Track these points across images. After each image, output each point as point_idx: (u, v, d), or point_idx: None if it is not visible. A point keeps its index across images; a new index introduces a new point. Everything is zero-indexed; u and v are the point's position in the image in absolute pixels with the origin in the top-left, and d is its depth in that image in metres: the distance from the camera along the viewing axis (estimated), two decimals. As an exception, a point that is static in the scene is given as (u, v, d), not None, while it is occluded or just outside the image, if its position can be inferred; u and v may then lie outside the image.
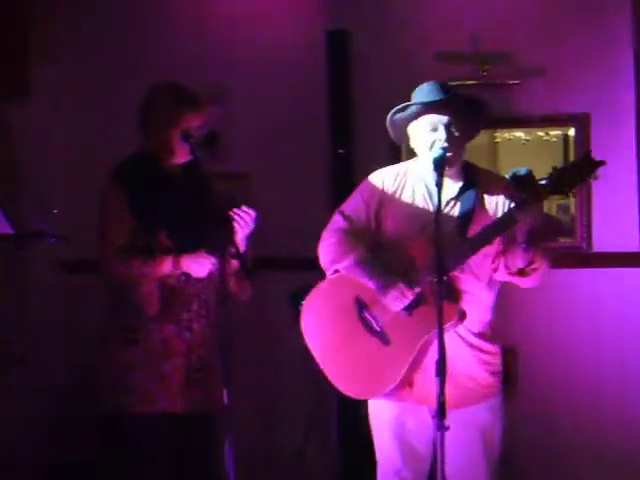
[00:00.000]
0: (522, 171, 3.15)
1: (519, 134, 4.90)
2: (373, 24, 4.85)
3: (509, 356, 4.66)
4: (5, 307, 4.54)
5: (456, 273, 3.20)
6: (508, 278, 3.29)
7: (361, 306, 3.33)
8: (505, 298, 4.40)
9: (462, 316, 3.19)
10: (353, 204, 3.46)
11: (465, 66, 4.74)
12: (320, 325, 3.43)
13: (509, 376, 4.53)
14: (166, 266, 3.58)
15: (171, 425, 3.65)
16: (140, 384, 3.61)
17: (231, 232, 3.51)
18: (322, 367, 3.39)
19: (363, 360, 3.30)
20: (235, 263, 3.49)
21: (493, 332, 3.39)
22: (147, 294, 3.61)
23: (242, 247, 3.55)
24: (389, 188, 3.41)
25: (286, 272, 4.80)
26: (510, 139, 4.91)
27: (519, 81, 4.77)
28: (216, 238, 3.40)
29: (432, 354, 3.01)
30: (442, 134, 3.24)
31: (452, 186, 3.33)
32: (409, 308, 3.23)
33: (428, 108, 3.28)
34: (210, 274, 3.59)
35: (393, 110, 3.35)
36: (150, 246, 3.60)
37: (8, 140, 4.72)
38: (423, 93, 3.32)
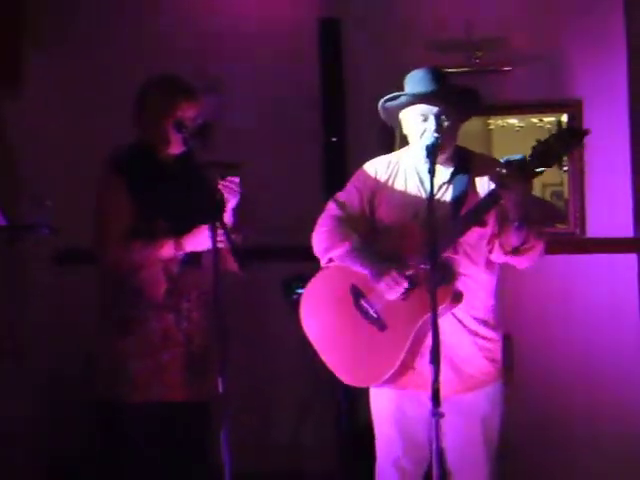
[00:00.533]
0: (516, 157, 3.13)
1: (513, 121, 4.89)
2: (365, 12, 4.84)
3: (505, 343, 4.67)
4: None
5: (451, 254, 3.21)
6: (503, 258, 3.29)
7: (357, 294, 3.35)
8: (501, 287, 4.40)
9: (457, 298, 3.21)
10: (346, 193, 3.49)
11: (457, 53, 4.73)
12: (318, 314, 3.45)
13: (505, 363, 4.54)
14: (167, 248, 3.59)
15: (169, 414, 3.66)
16: (138, 374, 3.61)
17: (222, 209, 3.53)
18: (322, 356, 3.40)
19: (361, 348, 3.32)
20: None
21: (495, 318, 3.40)
22: (150, 278, 3.61)
23: (230, 218, 3.58)
24: (382, 176, 3.43)
25: (279, 261, 4.80)
26: (504, 126, 4.91)
27: (511, 67, 4.75)
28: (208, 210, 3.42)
29: (429, 340, 3.00)
30: (432, 124, 3.26)
31: (444, 171, 3.34)
32: (404, 293, 3.23)
33: (418, 98, 3.29)
34: (207, 263, 3.58)
35: (383, 99, 3.36)
36: (150, 232, 3.61)
37: (1, 132, 4.71)
38: (414, 81, 3.32)
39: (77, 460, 4.71)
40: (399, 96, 3.33)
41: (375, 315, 3.30)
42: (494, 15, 4.76)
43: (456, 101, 3.31)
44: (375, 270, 3.28)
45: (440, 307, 3.05)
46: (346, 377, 3.38)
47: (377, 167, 3.46)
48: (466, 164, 3.36)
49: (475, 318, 3.33)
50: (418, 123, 3.30)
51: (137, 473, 3.69)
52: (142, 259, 3.59)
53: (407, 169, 3.41)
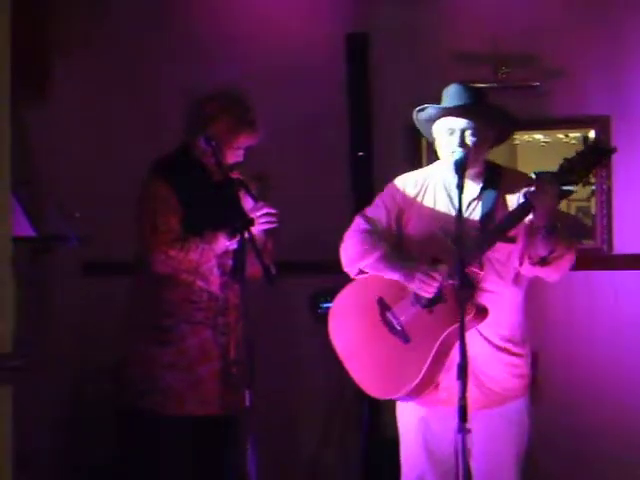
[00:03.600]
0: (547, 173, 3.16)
1: (538, 136, 4.88)
2: (392, 26, 4.84)
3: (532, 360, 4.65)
4: (27, 309, 4.55)
5: (477, 270, 3.21)
6: (533, 270, 3.28)
7: (383, 307, 3.36)
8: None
9: (482, 313, 3.20)
10: (374, 208, 3.50)
11: (484, 68, 4.73)
12: (346, 327, 3.46)
13: (533, 380, 4.52)
14: (221, 239, 3.63)
15: (201, 427, 3.68)
16: (172, 385, 3.64)
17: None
18: (348, 369, 3.40)
19: (385, 360, 3.33)
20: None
21: (522, 334, 3.40)
22: (208, 272, 3.66)
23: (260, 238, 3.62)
24: (410, 192, 3.44)
25: (306, 276, 4.80)
26: (529, 141, 4.90)
27: (538, 83, 4.75)
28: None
29: (456, 355, 3.01)
30: (456, 139, 3.27)
31: (473, 187, 3.35)
32: (429, 305, 3.24)
33: (446, 112, 3.31)
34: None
35: (416, 110, 3.39)
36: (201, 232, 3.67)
37: (27, 142, 4.74)
38: (448, 95, 3.35)
39: (103, 469, 4.72)
40: (426, 108, 3.35)
41: (399, 327, 3.30)
42: (521, 30, 4.75)
43: (487, 118, 3.31)
44: (406, 271, 3.28)
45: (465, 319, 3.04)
46: (370, 389, 3.37)
47: (406, 183, 3.47)
48: (495, 180, 3.36)
49: (501, 335, 3.33)
50: (445, 137, 3.31)
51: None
52: (200, 256, 3.62)
53: (436, 185, 3.41)
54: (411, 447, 3.44)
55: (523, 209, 3.17)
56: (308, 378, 4.91)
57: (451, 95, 3.33)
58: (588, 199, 4.81)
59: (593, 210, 4.81)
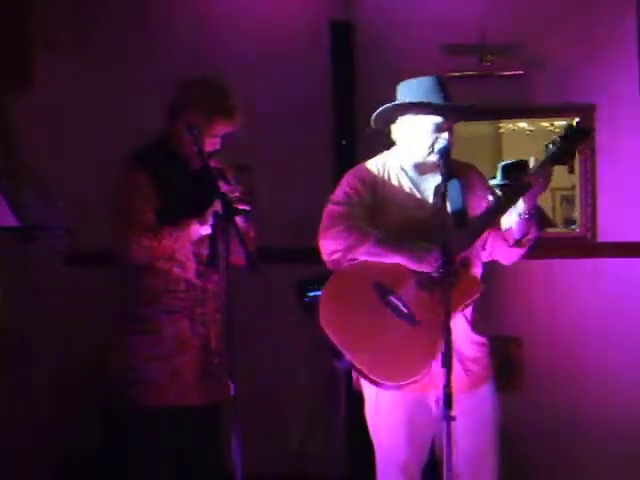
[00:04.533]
0: (509, 162, 3.46)
1: (523, 125, 4.89)
2: (377, 15, 4.84)
3: (514, 346, 4.68)
4: (10, 299, 4.54)
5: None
6: (501, 253, 3.39)
7: (383, 291, 3.33)
8: (508, 289, 4.42)
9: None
10: (344, 194, 3.48)
11: (469, 57, 4.73)
12: (343, 317, 3.37)
13: (515, 366, 4.55)
14: (194, 226, 3.58)
15: (182, 417, 3.65)
16: (152, 376, 3.61)
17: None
18: (350, 357, 3.32)
19: (395, 344, 3.28)
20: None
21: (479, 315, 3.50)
22: (184, 259, 3.62)
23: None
24: (376, 178, 3.47)
25: (289, 263, 4.79)
26: (514, 129, 4.90)
27: (523, 71, 4.75)
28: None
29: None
30: (446, 135, 3.34)
31: (436, 175, 3.39)
32: (429, 287, 3.27)
33: (437, 110, 3.35)
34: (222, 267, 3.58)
35: (395, 103, 3.40)
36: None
37: (12, 131, 4.71)
38: (421, 89, 3.37)
39: (88, 460, 4.71)
40: (417, 104, 3.35)
41: (406, 310, 3.30)
42: (507, 19, 4.76)
43: (463, 114, 3.45)
44: (413, 252, 3.29)
45: (468, 300, 3.24)
46: (381, 374, 3.29)
47: (369, 168, 3.50)
48: (453, 169, 3.39)
49: (473, 316, 3.41)
50: (428, 132, 3.35)
51: (148, 474, 3.69)
52: (174, 243, 3.58)
53: (397, 171, 3.46)
54: (391, 437, 3.44)
55: (521, 188, 3.23)
56: (293, 367, 4.91)
57: (427, 90, 3.36)
58: (572, 188, 4.82)
59: (577, 198, 4.82)
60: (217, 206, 3.41)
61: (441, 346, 3.12)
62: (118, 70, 4.95)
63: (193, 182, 3.68)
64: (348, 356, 3.31)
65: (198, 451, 3.73)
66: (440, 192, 3.12)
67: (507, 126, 4.91)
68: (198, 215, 3.58)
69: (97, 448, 4.60)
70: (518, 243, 3.31)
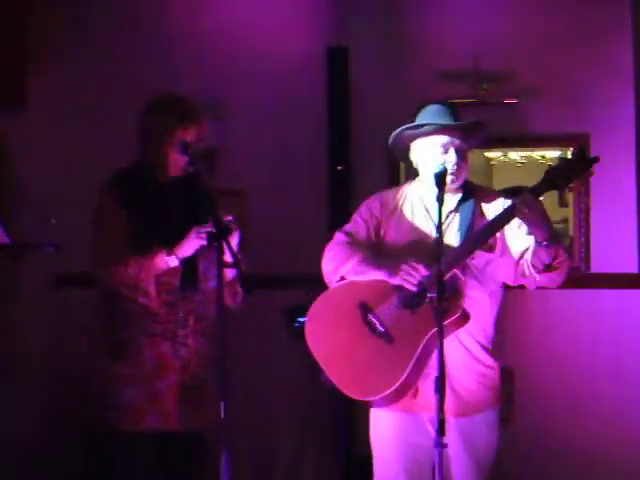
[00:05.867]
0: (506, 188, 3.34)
1: (514, 157, 4.89)
2: (373, 41, 4.85)
3: (506, 376, 4.63)
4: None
5: (459, 274, 3.25)
6: (538, 279, 3.30)
7: (365, 310, 3.35)
8: (502, 319, 4.38)
9: (465, 317, 3.23)
10: (353, 223, 3.54)
11: (464, 84, 4.73)
12: (326, 333, 3.43)
13: (507, 396, 4.50)
14: (160, 257, 3.50)
15: (162, 443, 3.60)
16: (130, 400, 3.54)
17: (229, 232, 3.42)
18: (328, 374, 3.36)
19: (368, 361, 3.30)
20: (229, 273, 3.47)
21: (494, 347, 3.43)
22: (148, 288, 3.54)
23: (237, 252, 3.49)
24: (389, 206, 3.48)
25: (282, 289, 4.77)
26: (505, 161, 4.90)
27: (518, 100, 4.75)
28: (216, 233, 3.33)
29: (435, 362, 3.01)
30: (453, 157, 3.35)
31: (451, 199, 3.40)
32: (413, 306, 3.26)
33: (442, 130, 3.36)
34: (206, 289, 3.55)
35: (404, 127, 3.40)
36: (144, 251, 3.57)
37: (4, 149, 4.70)
38: (432, 113, 3.40)
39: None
40: (422, 125, 3.38)
41: (382, 329, 3.30)
42: (501, 47, 4.77)
43: (470, 133, 3.41)
44: (389, 265, 3.29)
45: (450, 319, 3.14)
46: (352, 391, 3.32)
47: (384, 198, 3.52)
48: (472, 194, 3.43)
49: (479, 344, 3.37)
50: (437, 154, 3.35)
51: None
52: (137, 272, 3.52)
53: (414, 199, 3.47)
54: (386, 457, 3.42)
55: (507, 215, 3.20)
56: (283, 390, 4.87)
57: (436, 113, 3.38)
58: (563, 221, 4.81)
59: (569, 232, 4.81)
60: (210, 227, 3.38)
61: (410, 364, 3.18)
62: (113, 90, 4.94)
63: (173, 204, 3.65)
64: (326, 372, 3.36)
65: (178, 475, 3.67)
66: (440, 213, 3.09)
67: (498, 157, 4.91)
68: (169, 245, 3.54)
69: (80, 473, 4.54)
70: (550, 267, 3.23)
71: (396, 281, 3.28)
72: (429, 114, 3.40)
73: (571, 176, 3.15)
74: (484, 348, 3.37)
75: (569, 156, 3.20)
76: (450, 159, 3.34)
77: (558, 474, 4.68)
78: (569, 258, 3.31)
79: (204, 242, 3.46)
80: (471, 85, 4.75)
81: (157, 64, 4.92)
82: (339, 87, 4.80)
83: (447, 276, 3.14)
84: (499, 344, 3.43)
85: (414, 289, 3.25)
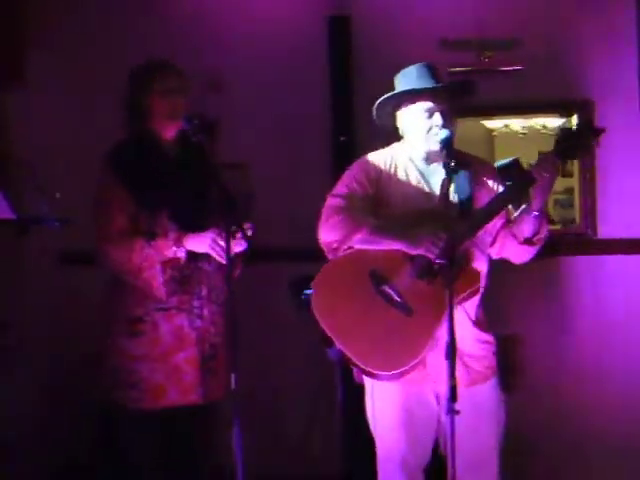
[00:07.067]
0: (506, 161, 3.34)
1: (516, 127, 4.86)
2: (374, 9, 4.81)
3: (512, 344, 4.64)
4: (2, 294, 4.49)
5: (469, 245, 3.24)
6: (511, 250, 3.32)
7: (378, 280, 3.31)
8: (508, 286, 4.38)
9: (477, 289, 3.25)
10: (347, 187, 3.46)
11: (467, 52, 4.70)
12: (335, 304, 3.37)
13: (513, 365, 4.51)
14: (168, 244, 3.50)
15: (180, 416, 3.60)
16: (146, 378, 3.54)
17: (239, 214, 3.40)
18: (341, 346, 3.31)
19: (388, 334, 3.25)
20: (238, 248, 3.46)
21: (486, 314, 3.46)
22: (151, 278, 3.53)
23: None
24: (382, 170, 3.44)
25: (286, 261, 4.75)
26: (507, 132, 4.87)
27: (521, 67, 4.72)
28: (226, 219, 3.32)
29: (441, 332, 3.03)
30: (438, 120, 3.30)
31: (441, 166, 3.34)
32: (426, 276, 3.23)
33: (424, 95, 3.32)
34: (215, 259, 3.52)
35: (385, 97, 3.41)
36: (152, 230, 3.53)
37: (6, 125, 4.67)
38: (413, 77, 3.37)
39: (80, 464, 4.66)
40: (402, 93, 3.36)
41: (399, 300, 3.26)
42: (505, 14, 4.72)
43: (456, 95, 3.39)
44: (410, 236, 3.24)
45: (467, 292, 3.16)
46: (369, 363, 3.27)
47: (376, 161, 3.47)
48: (465, 161, 3.37)
49: (478, 310, 3.39)
50: (423, 120, 3.33)
51: (142, 476, 3.63)
52: (143, 259, 3.51)
53: (405, 164, 3.43)
54: (391, 429, 3.42)
55: (523, 185, 3.18)
56: (290, 364, 4.87)
57: (416, 77, 3.36)
58: (566, 191, 4.79)
59: (577, 194, 4.78)
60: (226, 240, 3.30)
61: (434, 337, 3.16)
62: (113, 65, 4.85)
63: (178, 173, 3.62)
64: (338, 344, 3.29)
65: (193, 450, 3.67)
66: (444, 183, 3.10)
67: (500, 128, 4.88)
68: (176, 218, 3.51)
69: (94, 453, 4.54)
70: (529, 241, 3.26)
71: (419, 251, 3.23)
72: (409, 78, 3.36)
73: (579, 148, 3.15)
74: (483, 316, 3.41)
75: (574, 125, 3.17)
76: (436, 122, 3.29)
77: (568, 440, 4.69)
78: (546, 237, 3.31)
79: (214, 254, 3.44)
80: (474, 53, 4.72)
81: (156, 36, 4.85)
82: (341, 57, 4.77)
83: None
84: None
85: (439, 260, 3.20)
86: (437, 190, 3.34)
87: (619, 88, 4.70)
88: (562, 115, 4.75)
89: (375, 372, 3.26)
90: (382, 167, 3.44)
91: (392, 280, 3.28)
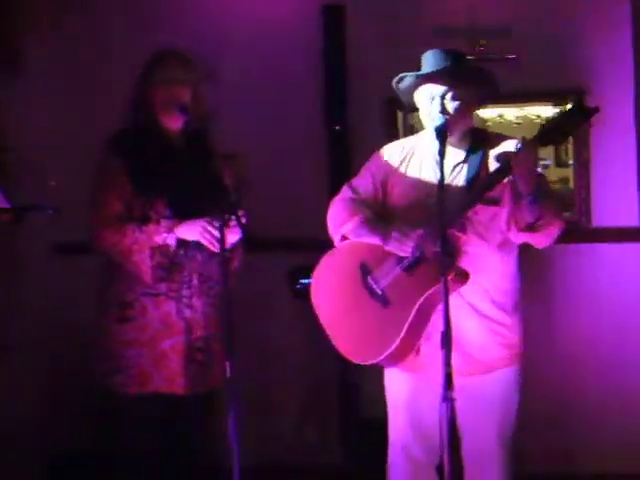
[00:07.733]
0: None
1: (510, 117, 4.85)
2: (368, -2, 4.80)
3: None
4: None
5: (458, 233, 3.18)
6: (520, 237, 3.24)
7: (365, 272, 3.32)
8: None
9: (462, 276, 3.16)
10: (360, 177, 3.49)
11: (461, 41, 4.68)
12: (328, 294, 3.42)
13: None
14: (159, 230, 3.50)
15: (168, 406, 3.60)
16: (133, 363, 3.55)
17: (233, 203, 3.41)
18: (330, 336, 3.35)
19: (365, 325, 3.29)
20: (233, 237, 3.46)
21: (514, 302, 3.36)
22: (140, 262, 3.53)
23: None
24: (396, 160, 3.42)
25: (282, 251, 4.75)
26: (501, 122, 4.86)
27: (515, 55, 4.71)
28: (218, 207, 3.33)
29: (438, 322, 2.97)
30: (437, 106, 3.24)
31: (459, 152, 3.33)
32: (410, 267, 3.21)
33: (424, 79, 3.28)
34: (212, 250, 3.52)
35: (394, 81, 3.35)
36: (147, 216, 3.54)
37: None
38: (427, 61, 3.31)
39: (79, 449, 4.65)
40: (404, 77, 3.32)
41: (380, 291, 3.27)
42: (499, 3, 4.73)
43: (467, 80, 3.27)
44: (383, 231, 3.25)
45: (436, 285, 3.06)
46: (351, 355, 3.32)
47: (392, 151, 3.46)
48: (481, 144, 3.33)
49: (490, 301, 3.29)
50: (427, 104, 3.28)
51: (134, 463, 3.63)
52: (133, 243, 3.51)
53: (423, 152, 3.39)
54: (398, 417, 3.42)
55: (500, 171, 3.13)
56: (287, 354, 4.87)
57: (429, 61, 3.29)
58: (559, 181, 4.78)
59: (571, 182, 4.77)
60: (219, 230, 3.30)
61: (404, 327, 3.14)
62: (110, 52, 4.89)
63: (178, 162, 3.61)
64: (327, 334, 3.35)
65: (185, 441, 3.67)
66: (441, 169, 3.04)
67: (494, 118, 4.87)
68: (174, 204, 3.51)
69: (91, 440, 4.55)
70: (531, 227, 3.15)
71: (389, 248, 3.24)
72: (425, 63, 3.30)
73: (570, 128, 3.06)
74: (496, 304, 3.30)
75: (570, 108, 3.09)
76: (434, 107, 3.23)
77: (569, 424, 4.72)
78: (558, 222, 3.20)
79: (205, 242, 3.44)
80: (468, 41, 4.70)
81: (153, 25, 4.85)
82: (335, 46, 4.75)
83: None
84: (519, 299, 3.39)
85: (406, 255, 3.20)
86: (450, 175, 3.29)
87: (614, 77, 4.70)
88: (556, 104, 4.74)
89: (357, 363, 3.30)
90: (396, 156, 3.42)
91: (375, 271, 3.29)
